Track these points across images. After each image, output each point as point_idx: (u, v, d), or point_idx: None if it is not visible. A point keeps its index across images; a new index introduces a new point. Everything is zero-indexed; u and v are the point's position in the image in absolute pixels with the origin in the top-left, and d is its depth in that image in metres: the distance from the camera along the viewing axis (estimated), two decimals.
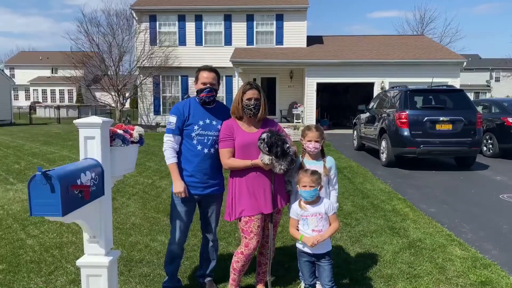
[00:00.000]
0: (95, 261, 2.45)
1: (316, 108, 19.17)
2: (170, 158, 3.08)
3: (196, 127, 3.09)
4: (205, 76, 3.13)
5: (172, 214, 3.22)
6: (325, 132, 3.36)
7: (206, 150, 3.12)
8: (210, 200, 3.25)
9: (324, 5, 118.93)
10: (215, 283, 3.41)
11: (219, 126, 3.15)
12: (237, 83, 18.57)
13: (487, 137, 11.12)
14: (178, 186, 3.04)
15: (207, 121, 3.13)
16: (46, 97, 49.26)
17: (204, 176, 3.14)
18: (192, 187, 3.12)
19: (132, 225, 5.04)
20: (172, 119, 3.11)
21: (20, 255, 4.07)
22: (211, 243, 3.37)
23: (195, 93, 3.20)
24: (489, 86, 51.84)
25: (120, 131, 2.58)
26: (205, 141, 3.11)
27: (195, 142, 3.10)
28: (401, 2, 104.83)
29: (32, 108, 33.99)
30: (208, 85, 3.11)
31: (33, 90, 49.95)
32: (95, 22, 21.31)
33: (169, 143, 3.08)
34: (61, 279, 3.54)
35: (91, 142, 2.39)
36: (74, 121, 2.44)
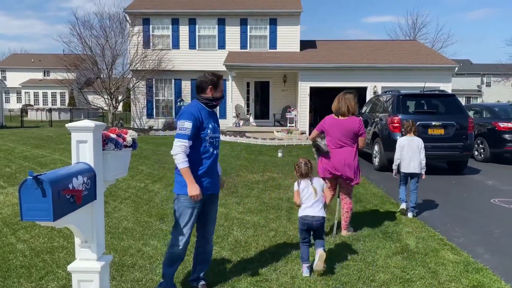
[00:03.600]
0: (86, 266, 2.43)
1: (310, 112, 19.21)
2: (183, 162, 3.10)
3: (209, 131, 3.24)
4: (222, 84, 3.35)
5: (180, 217, 3.21)
6: None
7: (216, 152, 3.31)
8: (213, 199, 3.41)
9: (318, 10, 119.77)
10: None
11: (218, 129, 3.39)
12: (231, 86, 18.55)
13: (478, 141, 11.22)
14: (194, 189, 3.11)
15: (215, 124, 3.33)
16: (38, 99, 48.85)
17: (213, 176, 3.33)
18: (204, 187, 3.23)
19: (124, 230, 5.00)
20: (188, 124, 3.13)
21: (10, 260, 4.02)
22: (207, 244, 3.41)
23: (207, 99, 3.25)
24: (480, 91, 52.42)
25: (113, 135, 2.56)
26: (215, 143, 3.30)
27: (207, 144, 3.24)
28: (395, 8, 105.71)
29: (24, 110, 33.71)
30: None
31: (25, 92, 49.52)
32: (88, 25, 21.16)
33: (183, 147, 3.11)
34: (51, 285, 3.49)
35: (83, 146, 2.37)
36: (67, 125, 2.42)
